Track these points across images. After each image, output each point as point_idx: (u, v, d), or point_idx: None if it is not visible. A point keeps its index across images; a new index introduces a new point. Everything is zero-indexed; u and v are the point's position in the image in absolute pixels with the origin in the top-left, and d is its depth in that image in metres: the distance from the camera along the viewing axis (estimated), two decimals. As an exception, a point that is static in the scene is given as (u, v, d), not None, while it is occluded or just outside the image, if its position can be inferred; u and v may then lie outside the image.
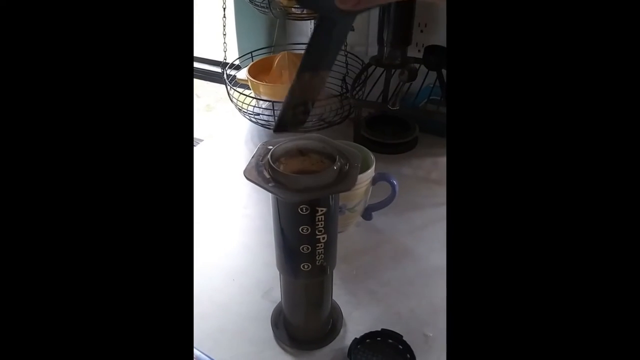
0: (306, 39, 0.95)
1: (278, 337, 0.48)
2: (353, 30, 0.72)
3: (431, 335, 0.48)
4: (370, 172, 0.57)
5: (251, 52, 0.89)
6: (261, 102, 0.82)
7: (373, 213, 0.62)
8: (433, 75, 0.75)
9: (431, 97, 0.76)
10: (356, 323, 0.50)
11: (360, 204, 0.58)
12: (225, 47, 0.84)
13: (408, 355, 0.45)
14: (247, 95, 0.80)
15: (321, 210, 0.36)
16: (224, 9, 0.81)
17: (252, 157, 0.38)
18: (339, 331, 0.49)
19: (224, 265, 0.57)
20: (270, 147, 0.38)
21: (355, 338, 0.46)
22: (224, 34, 0.83)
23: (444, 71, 0.74)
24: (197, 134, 1.08)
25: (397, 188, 0.57)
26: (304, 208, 0.36)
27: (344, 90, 0.79)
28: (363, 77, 0.78)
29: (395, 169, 0.74)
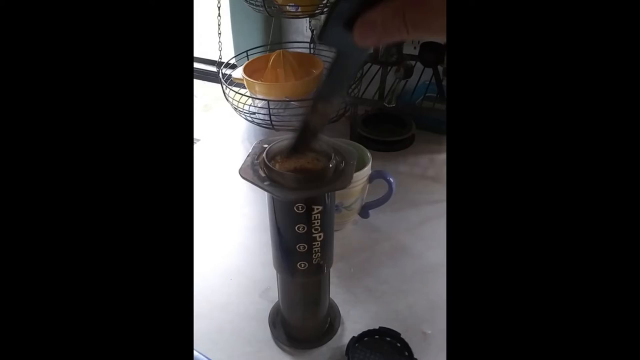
0: (302, 37, 0.95)
1: (276, 337, 0.48)
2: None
3: (429, 332, 0.48)
4: (367, 170, 0.56)
5: (246, 51, 0.89)
6: (257, 100, 0.81)
7: (370, 211, 0.62)
8: (429, 72, 0.75)
9: (427, 94, 0.75)
10: (354, 321, 0.49)
11: (357, 202, 0.58)
12: (220, 46, 0.84)
13: (406, 353, 0.45)
14: (242, 95, 0.79)
15: (317, 209, 0.36)
16: (219, 7, 0.80)
17: (248, 156, 0.38)
18: (337, 330, 0.48)
19: (221, 264, 0.57)
20: (266, 145, 0.38)
21: (353, 336, 0.46)
22: (219, 33, 0.82)
23: (440, 68, 0.74)
24: (194, 133, 1.07)
25: (394, 186, 0.57)
26: (299, 207, 0.36)
27: (340, 88, 0.79)
28: (359, 74, 0.78)
29: (392, 167, 0.74)
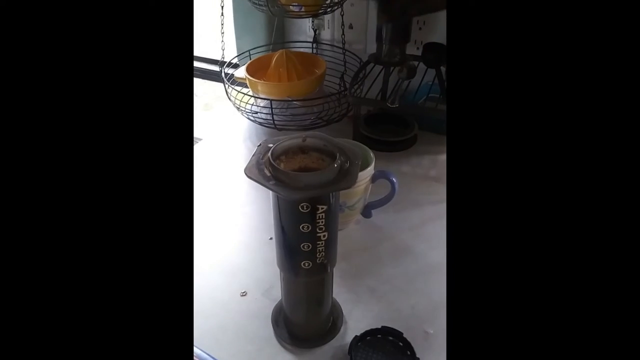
0: (304, 37, 0.95)
1: (278, 335, 0.48)
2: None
3: (431, 332, 0.48)
4: (370, 170, 0.57)
5: (249, 50, 0.89)
6: (259, 100, 0.82)
7: (373, 211, 0.62)
8: (432, 72, 0.75)
9: (430, 95, 0.76)
10: (356, 320, 0.50)
11: (359, 202, 0.58)
12: (223, 46, 0.84)
13: (408, 352, 0.45)
14: (245, 94, 0.79)
15: (322, 208, 0.36)
16: (222, 7, 0.80)
17: (253, 156, 0.38)
18: (340, 329, 0.49)
19: (223, 263, 0.57)
20: (271, 145, 0.38)
21: (356, 335, 0.46)
22: (222, 32, 0.82)
23: (442, 68, 0.74)
24: (195, 133, 1.07)
25: (396, 186, 0.57)
26: (304, 206, 0.36)
27: (343, 88, 0.79)
28: (362, 74, 0.78)
29: (394, 167, 0.74)
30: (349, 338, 0.47)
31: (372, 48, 0.78)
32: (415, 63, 0.75)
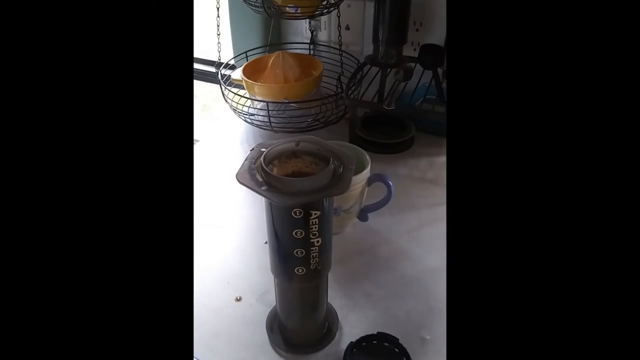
0: (301, 38, 0.94)
1: (273, 342, 0.47)
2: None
3: (428, 338, 0.47)
4: (366, 173, 0.56)
5: (246, 52, 0.88)
6: (256, 102, 0.81)
7: (369, 214, 0.62)
8: (429, 74, 0.75)
9: (427, 96, 0.75)
10: (352, 326, 0.49)
11: (355, 205, 0.58)
12: (219, 47, 0.84)
13: (404, 359, 0.45)
14: (241, 96, 0.79)
15: (315, 214, 0.36)
16: (218, 8, 0.80)
17: (245, 160, 0.37)
18: (335, 334, 0.48)
19: (218, 267, 0.57)
20: (263, 149, 0.37)
21: (351, 341, 0.46)
22: (218, 34, 0.82)
23: (439, 70, 0.74)
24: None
25: (393, 189, 0.57)
26: (297, 212, 0.35)
27: (339, 90, 0.79)
28: (358, 76, 0.77)
29: (391, 169, 0.73)
30: (344, 344, 0.47)
31: (368, 50, 0.77)
32: (412, 65, 0.75)
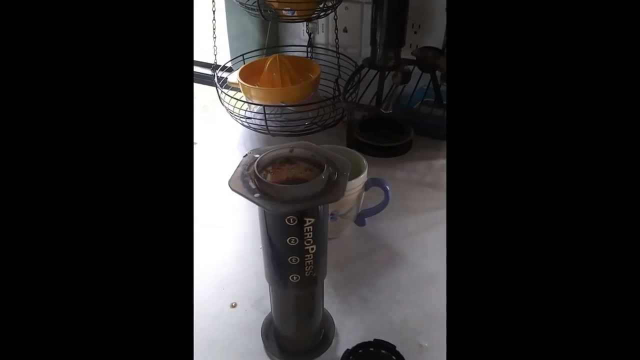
0: (299, 41, 0.94)
1: (268, 349, 0.47)
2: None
3: (426, 345, 0.47)
4: (363, 178, 0.55)
5: (243, 55, 0.88)
6: (252, 105, 0.81)
7: (366, 219, 0.61)
8: (427, 77, 0.74)
9: (425, 99, 0.74)
10: (348, 333, 0.48)
11: (352, 210, 0.57)
12: (215, 50, 0.83)
13: (401, 367, 0.44)
14: (238, 99, 0.78)
15: (309, 221, 0.35)
16: (214, 11, 0.79)
17: (238, 167, 0.37)
18: (331, 341, 0.47)
19: (214, 273, 0.56)
20: (257, 155, 0.37)
21: (348, 349, 0.45)
22: (214, 37, 0.81)
23: (437, 73, 0.73)
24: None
25: (390, 193, 0.56)
26: (291, 219, 0.35)
27: (337, 93, 0.78)
28: (356, 79, 0.77)
29: (389, 173, 0.73)
30: (340, 351, 0.46)
31: (366, 52, 0.77)
32: (410, 67, 0.74)
